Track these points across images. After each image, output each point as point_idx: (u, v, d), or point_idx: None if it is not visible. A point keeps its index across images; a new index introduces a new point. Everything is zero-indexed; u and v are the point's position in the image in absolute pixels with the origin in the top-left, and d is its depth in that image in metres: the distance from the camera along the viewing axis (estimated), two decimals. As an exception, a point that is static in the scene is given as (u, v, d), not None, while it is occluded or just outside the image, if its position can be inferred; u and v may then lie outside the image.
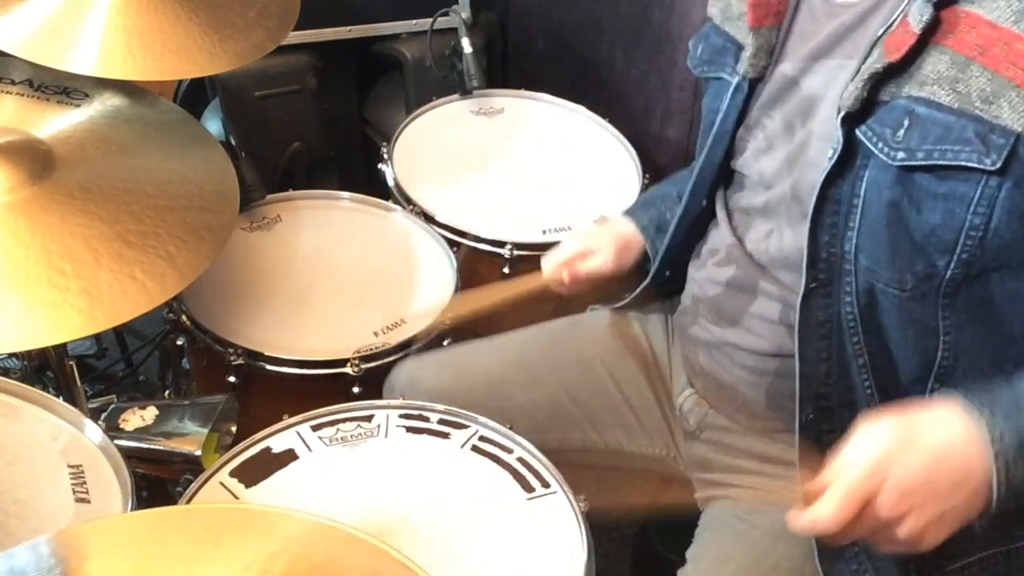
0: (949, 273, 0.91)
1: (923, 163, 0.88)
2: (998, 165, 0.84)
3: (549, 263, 1.29)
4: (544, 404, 1.25)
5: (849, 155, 0.94)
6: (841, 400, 1.02)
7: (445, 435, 1.18)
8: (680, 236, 1.24)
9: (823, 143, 0.98)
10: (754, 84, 1.10)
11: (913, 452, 0.82)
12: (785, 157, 1.05)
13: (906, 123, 0.89)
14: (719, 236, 1.17)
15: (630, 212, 1.36)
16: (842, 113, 0.93)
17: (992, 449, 0.81)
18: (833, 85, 1.00)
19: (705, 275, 1.18)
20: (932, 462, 0.81)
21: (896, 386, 1.00)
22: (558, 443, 1.16)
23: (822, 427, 1.02)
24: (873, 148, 0.92)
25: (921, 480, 0.81)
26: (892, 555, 0.98)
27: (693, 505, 1.19)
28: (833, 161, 0.94)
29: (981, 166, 0.85)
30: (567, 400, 1.27)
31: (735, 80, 1.11)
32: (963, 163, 0.86)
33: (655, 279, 1.28)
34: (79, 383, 1.26)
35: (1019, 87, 0.83)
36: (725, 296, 1.14)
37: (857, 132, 0.93)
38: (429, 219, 1.63)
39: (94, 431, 1.08)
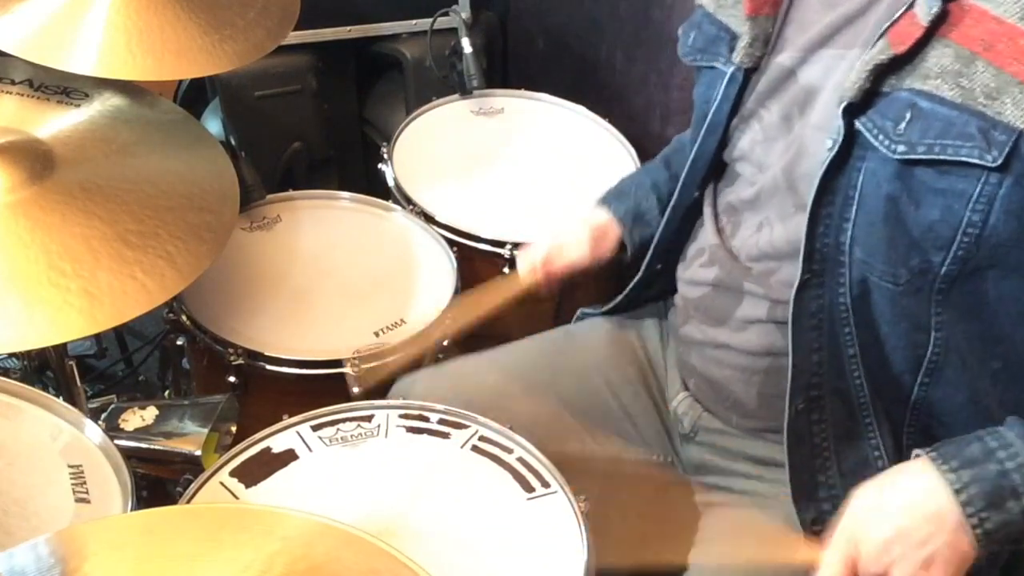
0: (944, 269, 0.90)
1: (923, 157, 0.87)
2: (999, 162, 0.84)
3: (524, 264, 1.29)
4: (542, 415, 1.25)
5: (849, 146, 0.93)
6: (831, 389, 1.01)
7: (445, 435, 1.18)
8: (672, 229, 1.23)
9: (821, 133, 0.97)
10: (749, 74, 1.08)
11: (879, 512, 0.88)
12: (783, 148, 1.04)
13: (908, 116, 0.88)
14: (704, 237, 1.17)
15: (604, 201, 1.34)
16: (843, 103, 0.92)
17: (959, 499, 0.85)
18: (832, 75, 0.99)
19: (691, 276, 1.18)
20: (898, 517, 0.87)
21: (886, 378, 0.99)
22: (557, 453, 1.16)
23: (812, 417, 1.02)
24: (873, 140, 0.91)
25: (892, 536, 0.87)
26: None
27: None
28: (834, 152, 0.93)
29: (982, 162, 0.84)
30: (565, 410, 1.27)
31: (729, 70, 1.09)
32: (964, 159, 0.85)
33: (647, 270, 1.27)
34: (79, 383, 1.26)
35: (1022, 83, 0.82)
36: (711, 297, 1.13)
37: (857, 123, 0.92)
38: (429, 219, 1.63)
39: (94, 431, 1.08)
